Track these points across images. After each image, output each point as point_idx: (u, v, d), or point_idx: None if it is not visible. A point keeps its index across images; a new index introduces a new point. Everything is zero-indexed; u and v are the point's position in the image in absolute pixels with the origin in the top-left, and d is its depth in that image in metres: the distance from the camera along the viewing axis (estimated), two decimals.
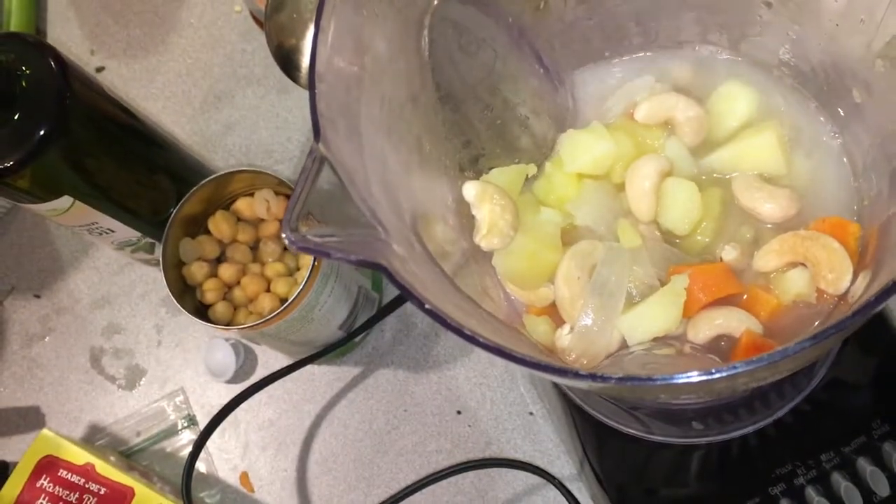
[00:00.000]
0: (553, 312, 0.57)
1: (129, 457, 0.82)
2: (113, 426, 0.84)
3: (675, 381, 0.37)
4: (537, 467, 0.75)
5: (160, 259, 0.71)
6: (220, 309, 0.73)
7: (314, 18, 0.43)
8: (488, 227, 0.54)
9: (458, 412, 0.80)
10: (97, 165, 0.71)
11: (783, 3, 0.55)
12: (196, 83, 0.92)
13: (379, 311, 0.77)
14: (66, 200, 0.70)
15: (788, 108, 0.59)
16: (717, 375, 0.37)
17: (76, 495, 0.76)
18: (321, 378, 0.82)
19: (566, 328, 0.55)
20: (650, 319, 0.53)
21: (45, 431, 0.77)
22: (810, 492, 0.62)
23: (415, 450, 0.79)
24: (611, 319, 0.54)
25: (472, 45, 0.55)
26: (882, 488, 0.61)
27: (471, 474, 0.78)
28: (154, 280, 0.87)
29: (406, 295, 0.39)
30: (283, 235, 0.39)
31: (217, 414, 0.72)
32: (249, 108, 0.90)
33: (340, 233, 0.41)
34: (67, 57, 0.68)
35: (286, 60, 0.64)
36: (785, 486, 0.62)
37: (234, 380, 0.83)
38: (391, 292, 0.83)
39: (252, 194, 0.75)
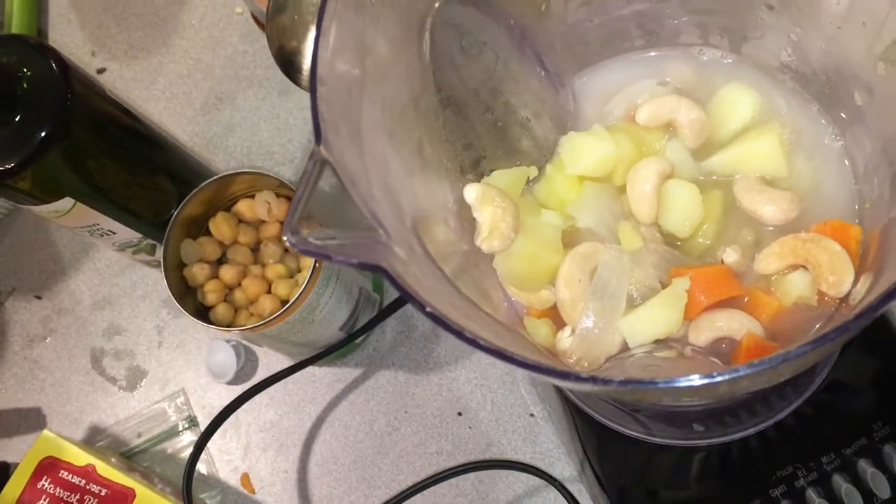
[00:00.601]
0: (554, 315, 0.57)
1: (129, 458, 0.83)
2: (114, 427, 0.84)
3: (677, 384, 0.37)
4: (538, 469, 0.75)
5: (161, 260, 0.71)
6: (221, 310, 0.73)
7: (315, 21, 0.43)
8: (489, 229, 0.54)
9: (459, 414, 0.80)
10: (98, 167, 0.71)
11: (785, 6, 0.55)
12: (197, 85, 0.92)
13: (380, 312, 0.77)
14: (67, 202, 0.70)
15: (790, 110, 0.59)
16: (718, 379, 0.37)
17: (77, 496, 0.76)
18: (322, 379, 0.82)
19: (567, 330, 0.55)
20: (651, 322, 0.53)
21: (45, 432, 0.77)
22: (811, 494, 0.62)
23: (415, 451, 0.79)
24: (612, 322, 0.54)
25: (473, 47, 0.55)
26: (883, 490, 0.61)
27: (471, 476, 0.78)
28: (155, 281, 0.87)
29: (407, 298, 0.39)
30: (285, 238, 0.39)
31: (218, 415, 0.72)
32: (250, 109, 0.90)
33: (341, 235, 0.41)
34: (69, 58, 0.68)
35: (287, 62, 0.64)
36: (786, 487, 0.62)
37: (234, 381, 0.83)
38: (392, 294, 0.83)
39: (253, 196, 0.75)
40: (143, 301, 0.87)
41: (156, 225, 0.77)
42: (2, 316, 0.88)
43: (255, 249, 0.76)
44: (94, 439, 0.83)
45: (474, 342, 0.39)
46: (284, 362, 0.81)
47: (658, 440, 0.64)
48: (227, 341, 0.83)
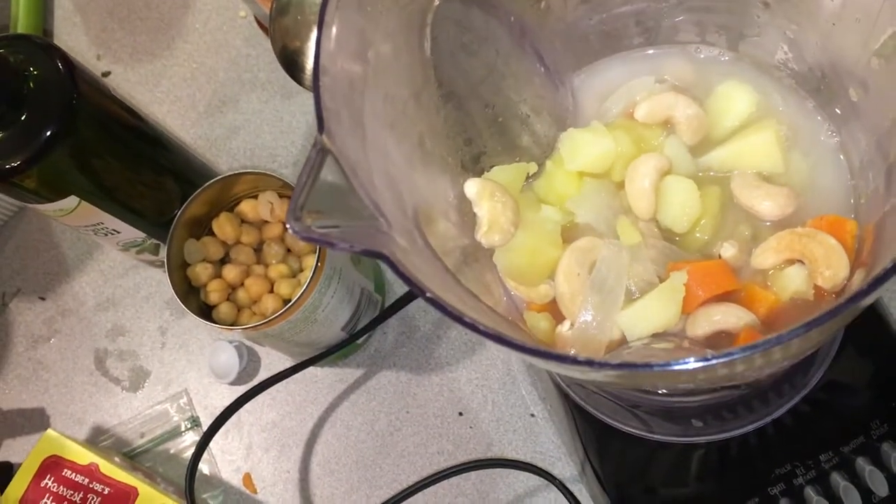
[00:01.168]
0: (553, 309, 0.57)
1: (132, 458, 0.83)
2: (117, 427, 0.84)
3: (672, 367, 0.37)
4: (539, 468, 0.76)
5: (165, 260, 0.72)
6: (224, 310, 0.74)
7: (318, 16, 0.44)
8: (489, 224, 0.54)
9: (460, 414, 0.80)
10: (103, 166, 0.72)
11: (780, 4, 0.56)
12: (201, 87, 0.93)
13: (381, 312, 0.77)
14: (72, 200, 0.70)
15: (786, 107, 0.60)
16: (713, 362, 0.37)
17: (80, 495, 0.76)
18: (324, 380, 0.83)
19: (566, 324, 0.55)
20: (649, 315, 0.53)
21: (49, 432, 0.78)
22: (809, 492, 0.62)
23: (417, 451, 0.80)
24: (610, 315, 0.54)
25: (473, 43, 0.56)
26: (881, 488, 0.61)
27: (472, 475, 0.78)
28: (158, 282, 0.88)
29: (407, 283, 0.40)
30: (287, 225, 0.39)
31: (220, 415, 0.73)
32: (254, 112, 0.91)
33: (343, 223, 0.41)
34: (75, 59, 0.68)
35: (291, 62, 0.65)
36: (784, 485, 0.62)
37: (237, 381, 0.84)
38: (393, 294, 0.84)
39: (256, 196, 0.76)
40: (146, 302, 0.88)
41: (159, 224, 0.78)
42: (6, 317, 0.89)
43: (258, 249, 0.77)
44: (98, 439, 0.84)
45: (473, 327, 0.39)
46: (286, 362, 0.81)
47: (657, 437, 0.64)
48: (230, 342, 0.84)
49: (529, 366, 0.78)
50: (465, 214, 0.55)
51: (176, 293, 0.70)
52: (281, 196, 0.75)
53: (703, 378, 0.47)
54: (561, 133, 0.60)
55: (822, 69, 0.57)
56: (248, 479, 0.81)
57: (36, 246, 0.91)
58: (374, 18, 0.48)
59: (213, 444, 0.82)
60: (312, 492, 0.80)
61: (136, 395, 0.85)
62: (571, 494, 0.74)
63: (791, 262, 0.54)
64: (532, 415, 0.79)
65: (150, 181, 0.77)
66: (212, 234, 0.76)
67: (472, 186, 0.55)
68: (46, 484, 0.76)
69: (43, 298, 0.89)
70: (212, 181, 0.73)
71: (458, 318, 0.39)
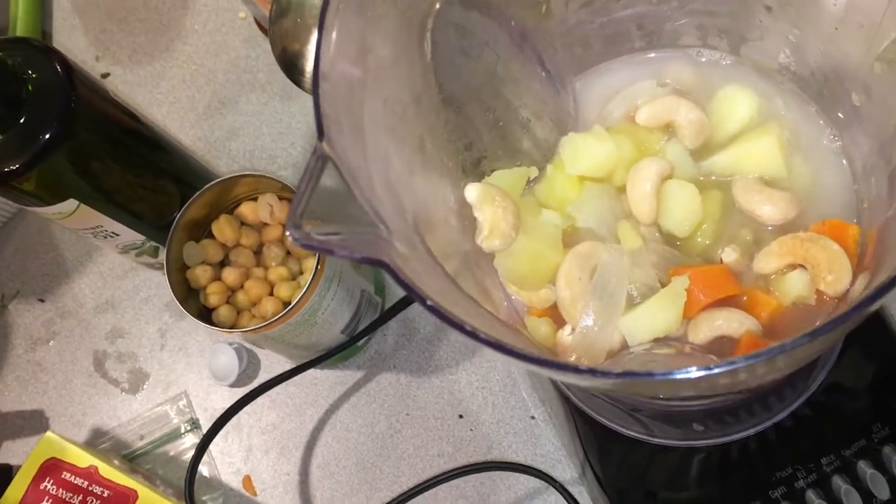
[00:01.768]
0: (554, 314, 0.57)
1: (132, 460, 0.83)
2: (116, 430, 0.84)
3: (674, 376, 0.37)
4: (539, 471, 0.75)
5: (164, 262, 0.71)
6: (224, 312, 0.73)
7: (318, 23, 0.44)
8: (490, 228, 0.54)
9: (461, 416, 0.80)
10: (102, 169, 0.71)
11: (783, 8, 0.56)
12: (200, 89, 0.93)
13: (381, 315, 0.77)
14: (71, 203, 0.70)
15: (788, 111, 0.60)
16: (716, 371, 0.37)
17: (79, 497, 0.76)
18: (324, 382, 0.83)
19: (567, 329, 0.55)
20: (651, 320, 0.53)
21: (48, 434, 0.77)
22: (811, 495, 0.62)
23: (417, 453, 0.80)
24: (612, 320, 0.54)
25: (474, 48, 0.56)
26: (882, 491, 0.61)
27: (472, 478, 0.78)
28: (158, 284, 0.88)
29: (408, 291, 0.39)
30: (287, 233, 0.39)
31: (220, 417, 0.73)
32: (253, 113, 0.91)
33: (343, 230, 0.41)
34: (73, 61, 0.68)
35: (290, 65, 0.65)
36: (785, 489, 0.62)
37: (237, 384, 0.84)
38: (394, 297, 0.84)
39: (255, 199, 0.76)
40: (145, 304, 0.88)
41: (159, 227, 0.78)
42: (5, 319, 0.89)
43: (258, 252, 0.77)
44: (97, 442, 0.84)
45: (474, 335, 0.39)
46: (286, 365, 0.81)
47: (658, 441, 0.64)
48: (230, 344, 0.83)
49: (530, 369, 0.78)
50: (466, 219, 0.55)
51: (175, 296, 0.70)
52: (280, 198, 0.75)
53: (706, 386, 0.47)
54: (562, 137, 0.60)
55: (824, 73, 0.57)
56: (247, 481, 0.81)
57: (35, 248, 0.90)
58: (374, 23, 0.48)
59: (213, 447, 0.82)
60: (312, 494, 0.80)
61: (136, 398, 0.85)
62: (572, 497, 0.73)
63: (793, 266, 0.54)
64: (532, 417, 0.79)
65: (150, 184, 0.77)
66: (211, 236, 0.75)
67: (472, 191, 0.54)
68: (46, 486, 0.76)
69: (42, 300, 0.89)
70: (211, 183, 0.73)
71: (459, 327, 0.39)
